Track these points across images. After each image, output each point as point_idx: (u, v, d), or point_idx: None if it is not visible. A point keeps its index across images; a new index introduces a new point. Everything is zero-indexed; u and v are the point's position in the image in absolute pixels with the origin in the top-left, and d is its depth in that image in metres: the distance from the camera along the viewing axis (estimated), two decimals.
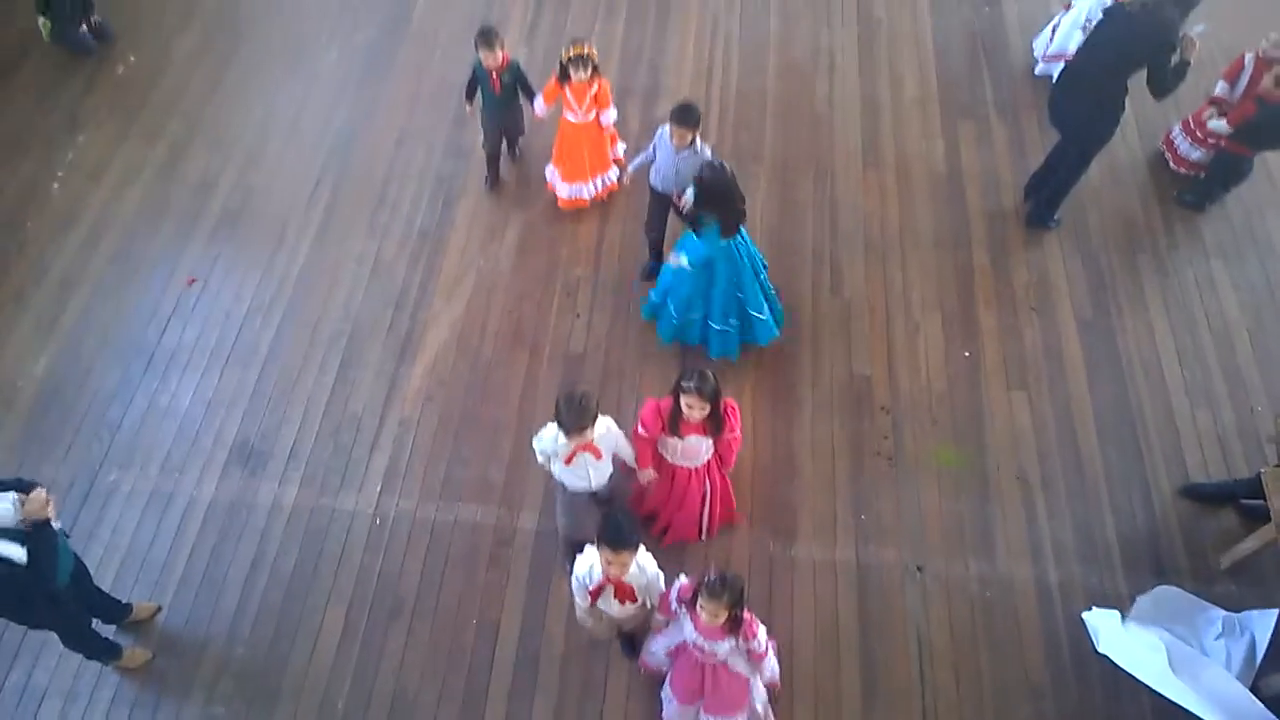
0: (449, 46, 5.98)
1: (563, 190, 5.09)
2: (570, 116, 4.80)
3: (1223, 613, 3.90)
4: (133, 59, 5.98)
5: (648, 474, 3.74)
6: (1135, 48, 4.34)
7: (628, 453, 3.68)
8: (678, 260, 4.17)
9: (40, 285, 4.93)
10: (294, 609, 3.93)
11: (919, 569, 4.07)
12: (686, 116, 4.18)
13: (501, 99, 4.86)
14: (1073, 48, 5.37)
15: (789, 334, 4.75)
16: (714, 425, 3.49)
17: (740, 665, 3.22)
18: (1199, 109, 5.29)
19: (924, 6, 6.32)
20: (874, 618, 3.94)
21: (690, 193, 4.14)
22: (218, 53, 6.02)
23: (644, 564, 3.22)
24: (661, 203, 4.58)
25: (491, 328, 4.79)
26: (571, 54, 4.53)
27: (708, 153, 4.34)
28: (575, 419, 3.32)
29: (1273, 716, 3.50)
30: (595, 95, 4.71)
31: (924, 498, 4.26)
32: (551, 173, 5.07)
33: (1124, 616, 3.86)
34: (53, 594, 3.26)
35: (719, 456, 3.74)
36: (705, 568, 3.06)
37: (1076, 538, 4.16)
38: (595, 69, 4.63)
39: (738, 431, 3.63)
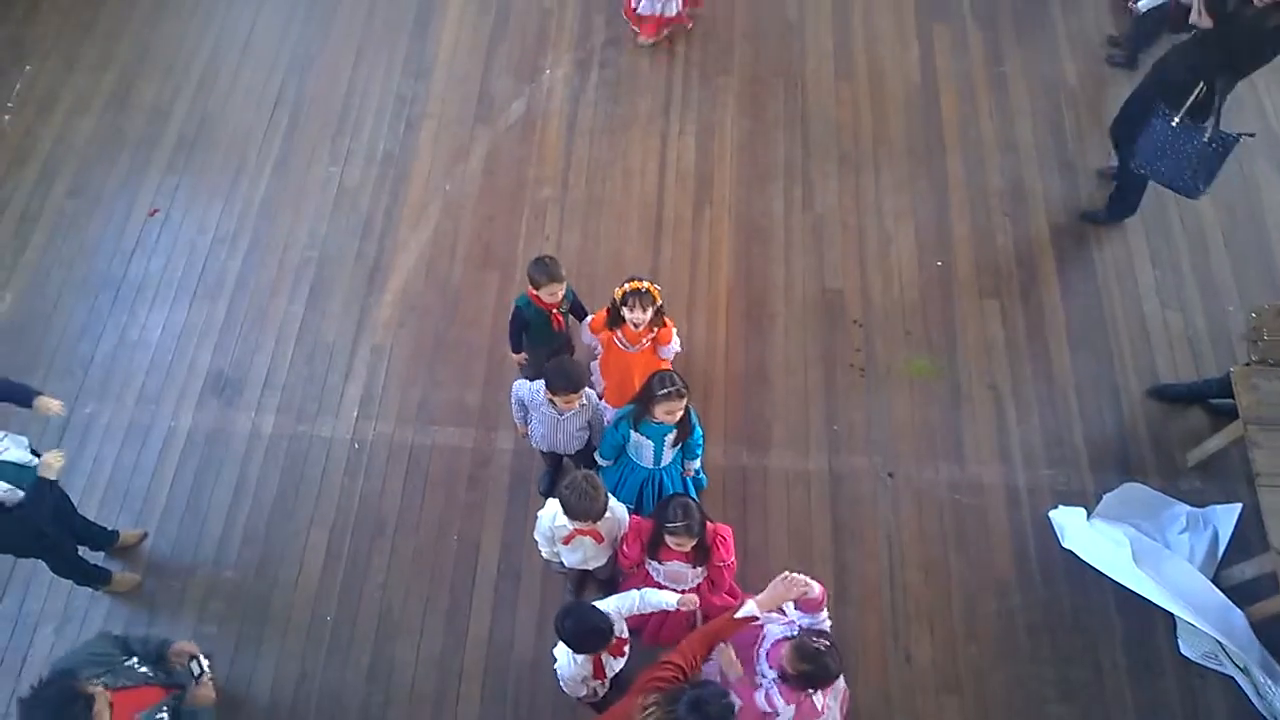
0: None
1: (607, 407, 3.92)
2: (620, 345, 3.80)
3: (1186, 508, 4.00)
4: None
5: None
6: None
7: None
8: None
9: None
10: (278, 532, 4.01)
11: (890, 475, 4.14)
12: (568, 382, 3.29)
13: (561, 333, 3.90)
14: None
15: (759, 252, 4.73)
16: (699, 556, 3.19)
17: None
18: None
19: None
20: (845, 523, 4.03)
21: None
22: None
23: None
24: (551, 457, 3.90)
25: (460, 251, 4.73)
26: (628, 289, 3.51)
27: (604, 410, 3.57)
28: (586, 510, 3.01)
29: (1231, 603, 3.63)
30: (655, 337, 3.76)
31: (895, 407, 4.31)
32: (597, 378, 4.02)
33: (1089, 514, 3.96)
34: (37, 523, 3.30)
35: (710, 581, 3.38)
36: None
37: (1045, 441, 4.23)
38: (659, 311, 3.60)
39: (730, 559, 3.27)
